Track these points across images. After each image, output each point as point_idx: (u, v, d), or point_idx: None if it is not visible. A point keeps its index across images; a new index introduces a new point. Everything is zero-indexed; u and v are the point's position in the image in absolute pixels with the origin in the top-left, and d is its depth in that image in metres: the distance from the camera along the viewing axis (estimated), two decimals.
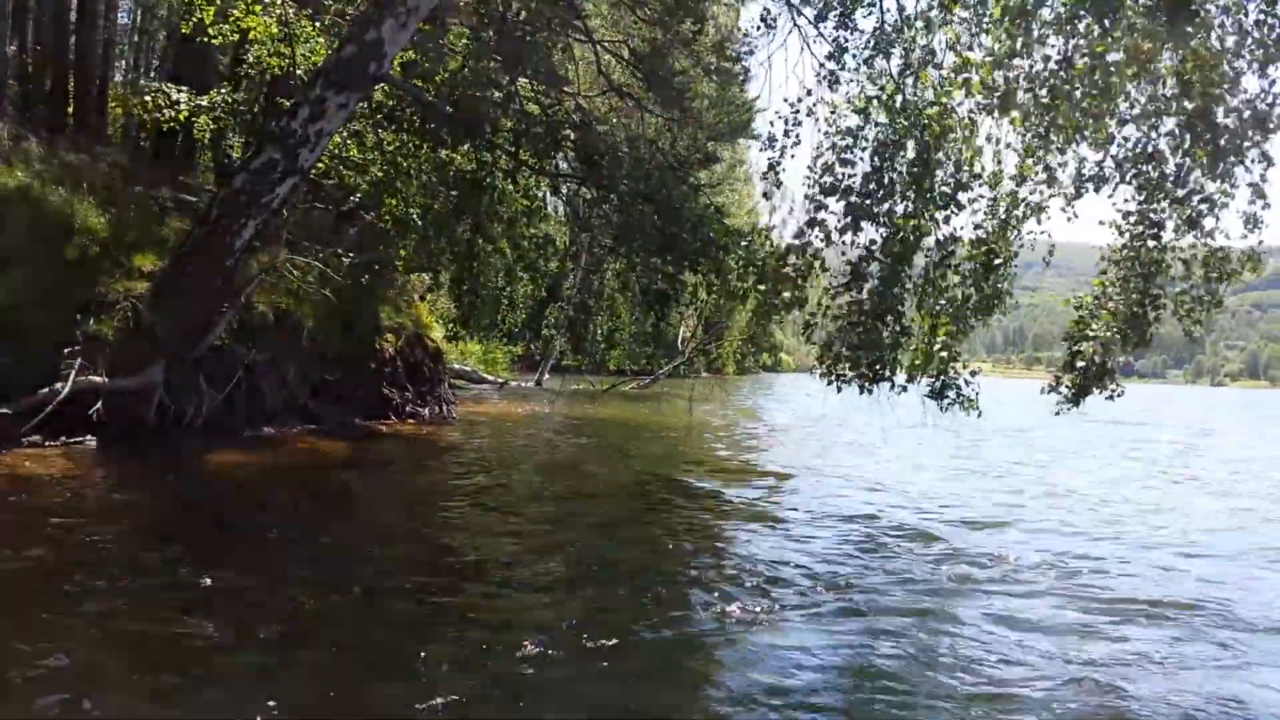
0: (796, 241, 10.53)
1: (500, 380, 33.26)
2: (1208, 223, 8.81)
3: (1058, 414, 9.87)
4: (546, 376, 37.59)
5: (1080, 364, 9.26)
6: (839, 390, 10.01)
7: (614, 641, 5.31)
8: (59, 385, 10.32)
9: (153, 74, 27.19)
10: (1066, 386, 9.61)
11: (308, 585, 6.22)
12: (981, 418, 10.28)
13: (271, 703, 4.16)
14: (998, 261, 9.36)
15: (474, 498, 10.38)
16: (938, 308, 9.45)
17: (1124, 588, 7.60)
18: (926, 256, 9.61)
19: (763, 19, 13.32)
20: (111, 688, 4.34)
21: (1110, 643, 6.04)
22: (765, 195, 31.14)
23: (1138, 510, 12.04)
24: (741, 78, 21.21)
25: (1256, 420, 43.40)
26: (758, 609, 6.27)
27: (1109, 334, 8.98)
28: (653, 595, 6.51)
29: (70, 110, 18.12)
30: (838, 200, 9.50)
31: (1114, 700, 5.00)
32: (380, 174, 12.18)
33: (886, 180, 9.27)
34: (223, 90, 11.81)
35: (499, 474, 12.37)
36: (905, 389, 9.94)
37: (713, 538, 9.08)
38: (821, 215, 10.12)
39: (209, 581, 5.93)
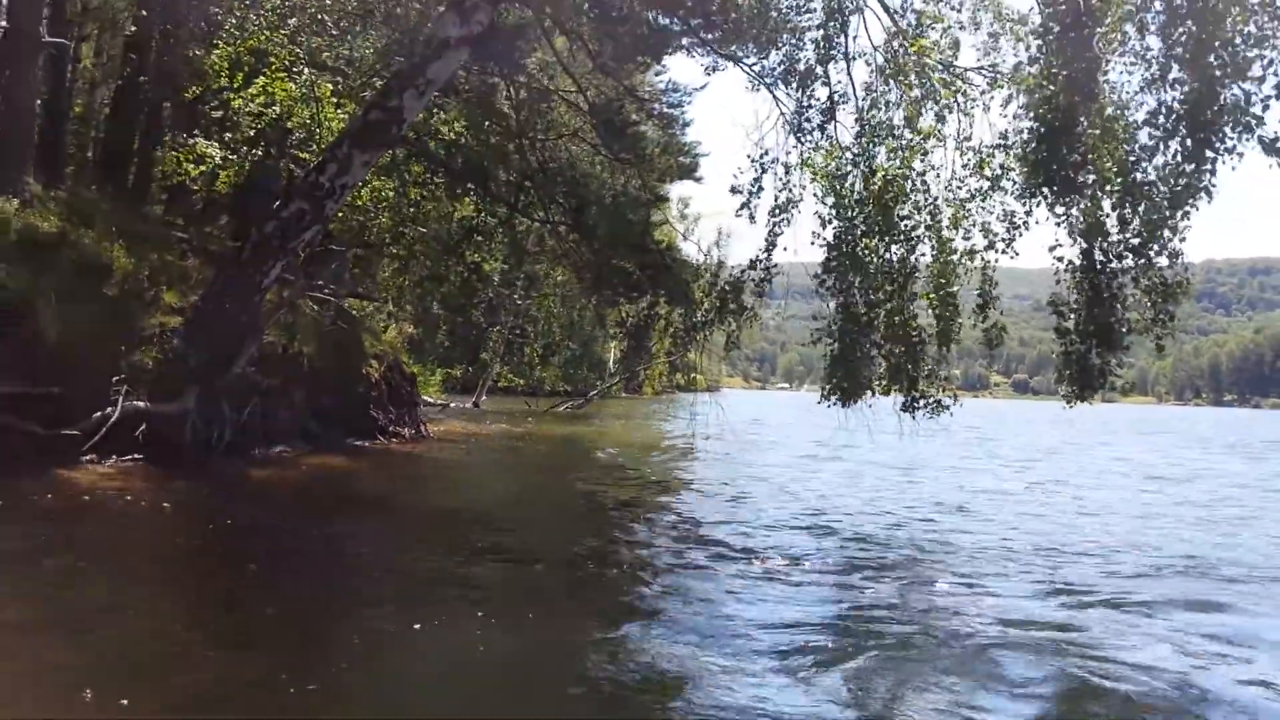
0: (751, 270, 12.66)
1: (442, 403, 34.51)
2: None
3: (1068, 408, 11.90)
4: (484, 398, 38.94)
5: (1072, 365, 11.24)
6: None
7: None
8: (109, 410, 11.54)
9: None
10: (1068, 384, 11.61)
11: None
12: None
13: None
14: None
15: (487, 493, 12.00)
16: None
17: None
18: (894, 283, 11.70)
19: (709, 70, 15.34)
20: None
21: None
22: (684, 236, 33.50)
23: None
24: (683, 124, 23.30)
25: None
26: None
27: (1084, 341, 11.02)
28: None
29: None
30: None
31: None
32: (387, 220, 13.67)
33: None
34: (244, 147, 13.09)
35: (499, 477, 14.02)
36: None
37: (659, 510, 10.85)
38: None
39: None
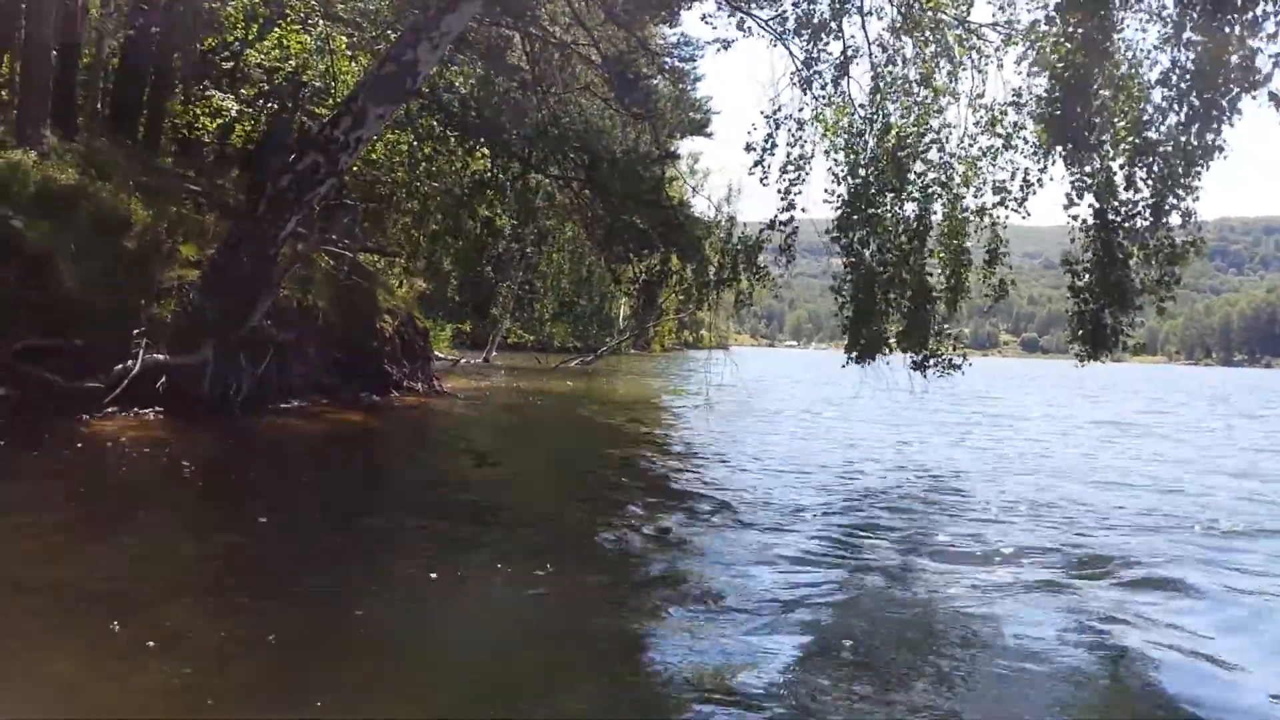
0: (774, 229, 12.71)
1: (453, 358, 34.70)
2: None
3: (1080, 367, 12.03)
4: (494, 353, 39.15)
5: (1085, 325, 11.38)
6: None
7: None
8: (130, 363, 11.69)
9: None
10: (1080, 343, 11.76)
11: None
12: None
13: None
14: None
15: (500, 449, 12.21)
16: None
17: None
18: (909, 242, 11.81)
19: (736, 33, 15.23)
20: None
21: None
22: (695, 190, 33.47)
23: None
24: (694, 79, 23.20)
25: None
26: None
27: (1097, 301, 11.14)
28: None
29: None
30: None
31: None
32: (403, 175, 13.73)
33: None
34: (260, 100, 13.14)
35: (511, 433, 14.21)
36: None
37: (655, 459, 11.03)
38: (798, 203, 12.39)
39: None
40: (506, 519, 8.43)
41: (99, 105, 25.29)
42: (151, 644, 4.50)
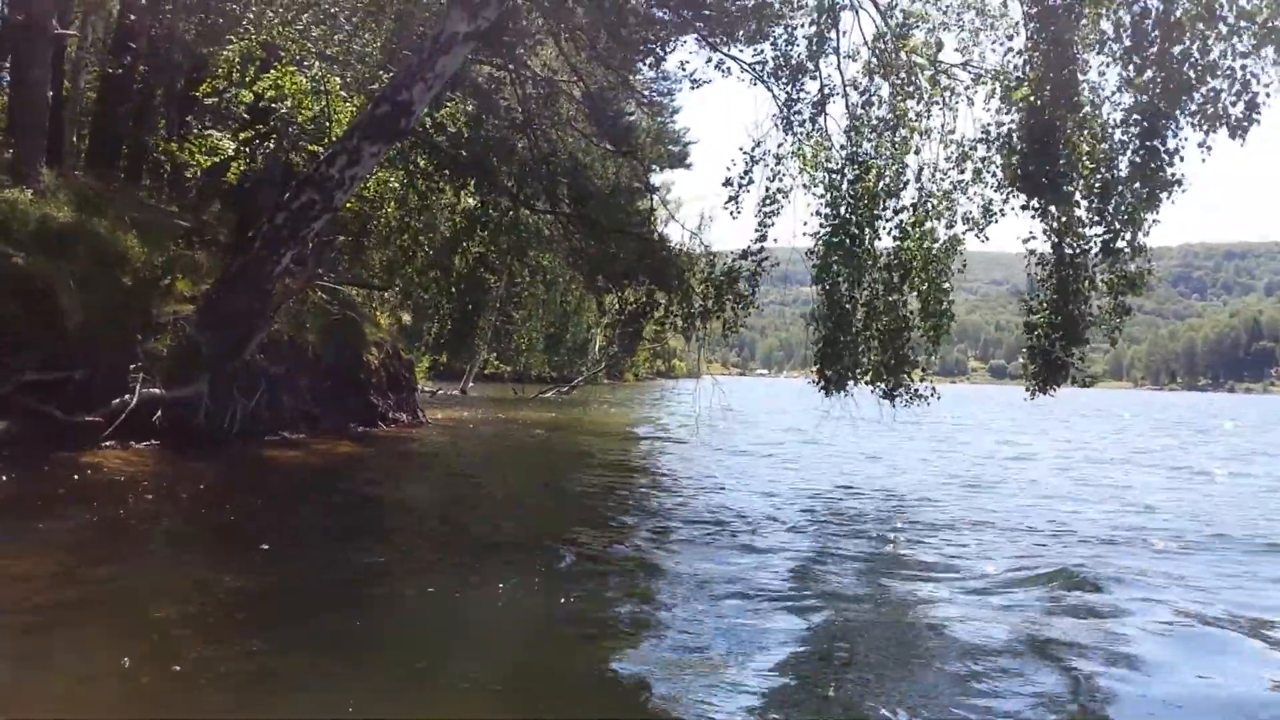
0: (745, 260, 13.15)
1: (431, 390, 34.83)
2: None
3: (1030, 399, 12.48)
4: (471, 384, 39.32)
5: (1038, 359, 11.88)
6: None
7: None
8: (128, 396, 11.88)
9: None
10: (1032, 378, 12.23)
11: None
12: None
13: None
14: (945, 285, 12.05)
15: (485, 475, 12.49)
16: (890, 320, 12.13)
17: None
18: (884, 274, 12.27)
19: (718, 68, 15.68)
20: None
21: None
22: (672, 217, 33.92)
23: None
24: (671, 111, 23.70)
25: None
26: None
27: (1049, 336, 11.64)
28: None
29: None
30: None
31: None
32: (393, 210, 14.04)
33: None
34: (258, 140, 13.41)
35: (495, 461, 14.48)
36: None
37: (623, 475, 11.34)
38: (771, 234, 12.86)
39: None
40: (499, 540, 8.70)
41: (74, 139, 25.46)
42: (173, 651, 4.76)
